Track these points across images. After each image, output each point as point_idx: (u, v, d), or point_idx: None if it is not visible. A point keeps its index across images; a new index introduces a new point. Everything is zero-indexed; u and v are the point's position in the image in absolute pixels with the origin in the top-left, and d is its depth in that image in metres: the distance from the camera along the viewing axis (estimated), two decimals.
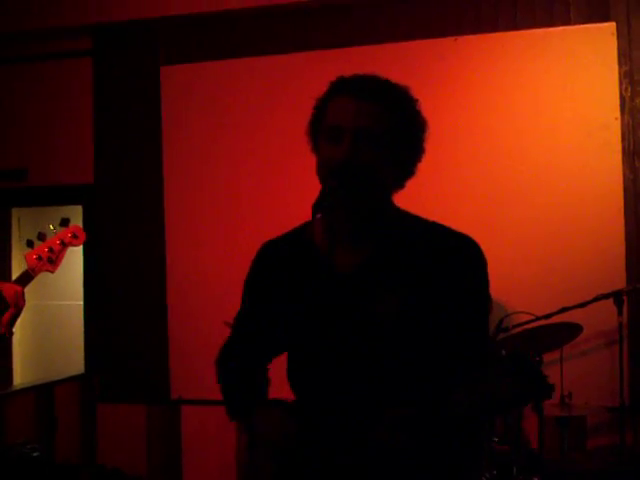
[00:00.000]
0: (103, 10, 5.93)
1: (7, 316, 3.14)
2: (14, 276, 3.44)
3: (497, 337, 4.45)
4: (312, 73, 5.29)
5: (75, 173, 6.15)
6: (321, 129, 2.25)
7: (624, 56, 5.12)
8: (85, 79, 6.13)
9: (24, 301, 3.22)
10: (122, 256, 6.00)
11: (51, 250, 3.36)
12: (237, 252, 5.31)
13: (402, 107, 2.21)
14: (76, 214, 6.16)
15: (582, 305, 4.54)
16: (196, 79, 5.83)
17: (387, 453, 2.15)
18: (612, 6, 5.15)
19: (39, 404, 5.83)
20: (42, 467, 5.12)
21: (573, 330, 4.53)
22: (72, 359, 6.63)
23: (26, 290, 3.30)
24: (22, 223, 6.98)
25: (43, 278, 3.45)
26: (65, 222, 3.43)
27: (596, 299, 4.60)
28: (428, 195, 4.75)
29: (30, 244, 3.36)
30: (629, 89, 5.12)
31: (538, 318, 4.50)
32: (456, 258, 2.23)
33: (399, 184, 2.28)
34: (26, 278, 3.29)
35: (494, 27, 5.33)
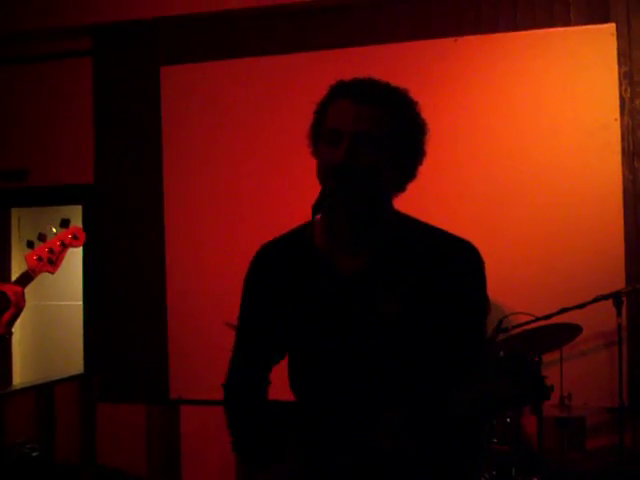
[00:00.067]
0: (103, 10, 5.93)
1: (7, 316, 3.14)
2: (14, 276, 3.45)
3: (497, 337, 4.45)
4: (312, 73, 5.31)
5: (75, 173, 6.15)
6: (321, 133, 2.25)
7: (624, 57, 5.12)
8: (85, 79, 6.13)
9: (24, 301, 3.22)
10: (122, 256, 6.01)
11: (51, 251, 3.36)
12: (237, 252, 5.30)
13: (402, 110, 2.21)
14: (76, 214, 6.16)
15: (581, 306, 4.55)
16: (196, 79, 5.83)
17: (387, 454, 2.16)
18: (612, 7, 5.15)
19: (39, 404, 5.83)
20: (42, 467, 5.12)
21: (572, 331, 4.53)
22: (72, 359, 6.63)
23: (26, 290, 3.30)
24: (22, 223, 6.99)
25: (43, 278, 3.45)
26: (65, 223, 3.43)
27: (595, 300, 4.60)
28: (428, 195, 4.76)
29: (30, 245, 3.36)
30: (629, 90, 5.12)
31: (538, 319, 4.50)
32: (455, 262, 2.24)
33: (400, 187, 2.28)
34: (26, 279, 3.29)
35: (494, 28, 5.33)
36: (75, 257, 6.10)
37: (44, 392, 5.86)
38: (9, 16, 6.10)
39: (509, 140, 5.25)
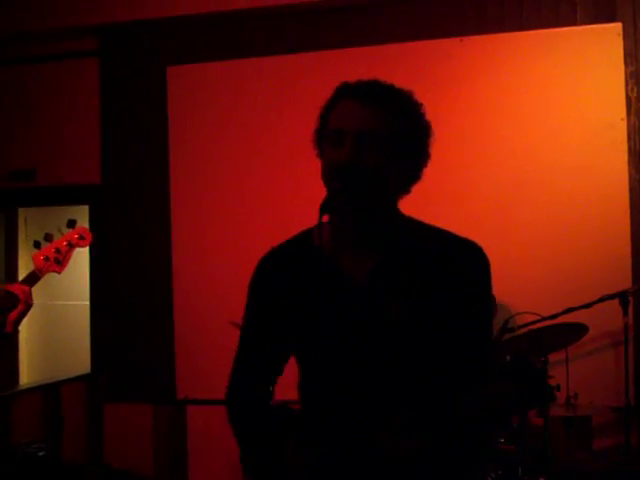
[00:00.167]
0: (109, 10, 5.94)
1: (15, 314, 3.16)
2: (21, 275, 3.47)
3: (503, 337, 4.45)
4: (318, 73, 5.31)
5: (82, 173, 6.17)
6: (325, 134, 2.25)
7: (630, 56, 5.12)
8: (91, 79, 6.15)
9: (32, 300, 3.24)
10: (128, 256, 6.02)
11: (58, 251, 3.38)
12: (243, 252, 5.29)
13: (406, 111, 2.21)
14: (83, 214, 6.17)
15: (588, 305, 4.54)
16: (203, 79, 5.84)
17: (395, 456, 2.16)
18: (618, 7, 5.14)
19: (45, 404, 5.84)
20: (48, 467, 5.13)
21: (579, 330, 4.53)
22: (78, 359, 6.64)
23: (33, 290, 3.32)
24: (29, 223, 7.00)
25: (50, 278, 3.46)
26: (72, 223, 3.45)
27: (602, 299, 4.60)
28: (434, 195, 4.76)
29: (37, 245, 3.38)
30: (635, 90, 5.12)
31: (544, 318, 4.50)
32: (461, 263, 2.24)
33: (404, 189, 2.27)
34: (33, 278, 3.31)
35: (500, 27, 5.33)
36: (82, 257, 6.10)
37: (51, 392, 5.87)
38: (16, 17, 6.11)
39: (515, 140, 5.25)
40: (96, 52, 6.15)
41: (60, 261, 3.39)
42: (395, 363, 2.22)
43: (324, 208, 2.14)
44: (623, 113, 5.10)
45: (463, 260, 2.24)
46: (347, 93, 2.22)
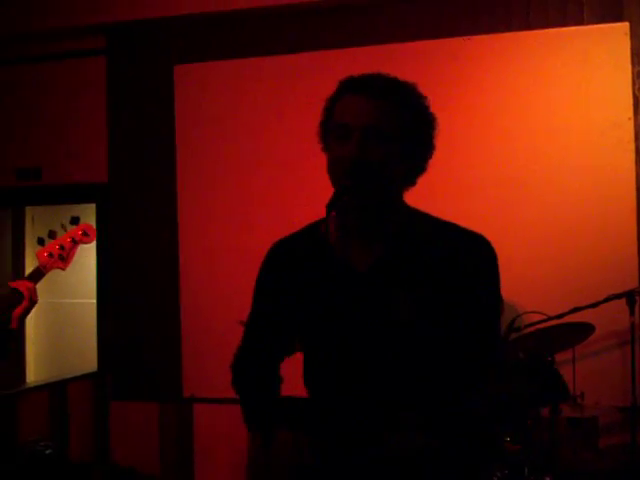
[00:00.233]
0: (117, 9, 5.95)
1: (20, 310, 3.17)
2: (27, 272, 3.47)
3: (509, 337, 4.45)
4: (323, 73, 5.29)
5: (89, 172, 6.18)
6: (330, 128, 2.26)
7: (637, 56, 5.11)
8: (99, 78, 6.16)
9: (37, 297, 3.25)
10: (135, 254, 6.02)
11: (62, 247, 3.39)
12: (250, 251, 5.27)
13: (410, 103, 2.22)
14: (90, 213, 6.19)
15: (594, 305, 4.54)
16: (210, 78, 5.85)
17: (403, 454, 2.16)
18: (626, 6, 5.13)
19: (52, 402, 5.86)
20: (55, 465, 5.14)
21: (585, 330, 4.53)
22: (85, 357, 6.66)
23: (40, 288, 3.33)
24: (36, 221, 7.02)
25: (57, 276, 3.47)
26: (75, 220, 3.47)
27: (608, 299, 4.59)
28: (441, 195, 4.76)
29: (41, 242, 3.40)
30: None
31: (550, 318, 4.50)
32: (468, 255, 2.24)
33: (410, 181, 2.28)
34: (38, 275, 3.33)
35: (507, 27, 5.32)
36: (89, 255, 6.13)
37: (57, 390, 5.89)
38: (23, 16, 6.13)
39: (521, 139, 5.25)
40: (103, 51, 6.16)
41: (64, 257, 3.40)
42: (398, 355, 2.22)
43: (331, 207, 2.14)
44: (630, 112, 5.10)
45: (469, 252, 2.25)
46: (352, 87, 2.23)
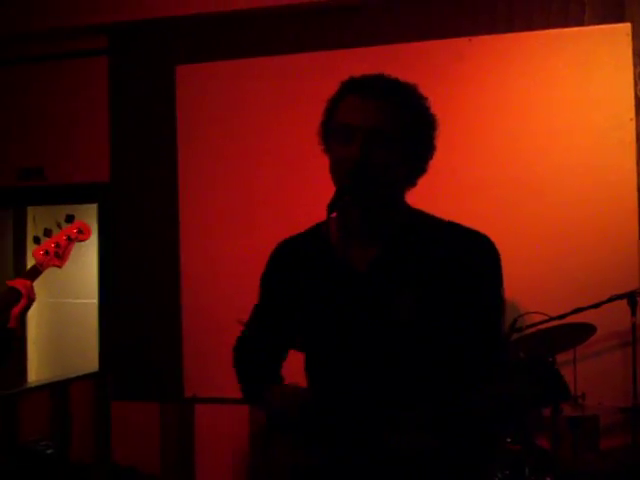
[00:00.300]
0: (119, 9, 5.96)
1: (18, 308, 3.18)
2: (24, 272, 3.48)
3: (511, 337, 4.45)
4: (326, 73, 5.30)
5: (91, 172, 6.18)
6: (332, 128, 2.27)
7: (639, 57, 5.11)
8: (101, 78, 6.16)
9: (34, 295, 3.26)
10: (137, 254, 6.03)
11: (57, 245, 3.41)
12: (251, 250, 5.29)
13: (411, 104, 2.23)
14: (91, 213, 6.19)
15: (596, 306, 4.53)
16: (212, 78, 5.85)
17: (404, 454, 2.16)
18: (627, 7, 5.13)
19: (54, 402, 5.86)
20: (56, 464, 5.14)
21: (587, 331, 4.53)
22: (87, 357, 6.66)
23: (42, 288, 3.34)
24: (37, 221, 7.02)
25: (59, 276, 3.48)
26: (70, 219, 3.49)
27: (610, 300, 4.59)
28: (443, 195, 4.76)
29: (37, 241, 3.41)
30: None
31: (552, 318, 4.50)
32: (472, 255, 2.24)
33: (411, 181, 2.29)
34: (34, 273, 3.34)
35: (509, 27, 5.32)
36: (90, 255, 6.13)
37: (59, 390, 5.89)
38: (25, 15, 6.13)
39: (523, 139, 5.24)
40: (105, 51, 6.16)
41: (60, 255, 3.42)
42: (398, 355, 2.23)
43: (332, 207, 2.15)
44: (632, 113, 5.10)
45: (472, 251, 2.25)
46: (354, 88, 2.24)
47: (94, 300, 6.42)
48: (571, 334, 4.53)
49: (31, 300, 3.23)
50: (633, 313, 4.65)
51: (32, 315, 3.26)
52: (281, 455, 2.40)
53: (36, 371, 7.43)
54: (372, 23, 5.57)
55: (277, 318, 2.47)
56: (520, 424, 4.42)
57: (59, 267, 3.44)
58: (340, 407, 2.30)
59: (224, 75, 5.82)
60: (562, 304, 4.59)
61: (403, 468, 2.19)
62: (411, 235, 2.28)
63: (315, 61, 5.60)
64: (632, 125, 5.09)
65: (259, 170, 5.70)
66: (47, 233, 3.43)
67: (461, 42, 5.37)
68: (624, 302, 4.65)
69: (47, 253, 3.38)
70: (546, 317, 4.50)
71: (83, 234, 3.52)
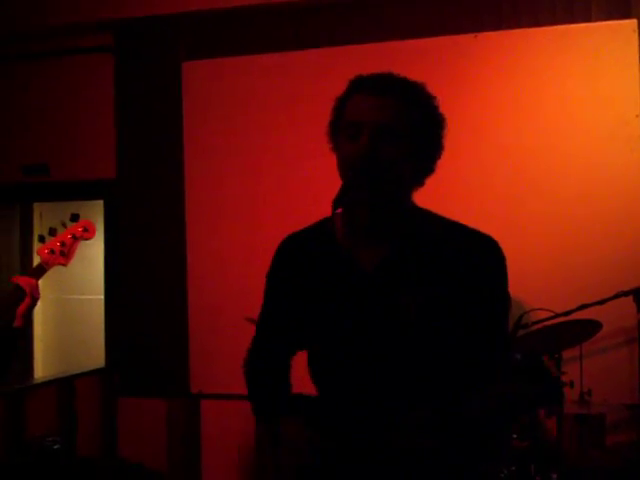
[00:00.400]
0: (124, 6, 5.96)
1: (23, 307, 3.18)
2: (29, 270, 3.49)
3: (516, 334, 4.45)
4: (332, 69, 5.31)
5: (97, 168, 6.19)
6: (340, 127, 2.27)
7: None
8: (106, 75, 6.16)
9: (39, 293, 3.27)
10: (143, 250, 6.03)
11: (63, 244, 3.41)
12: (257, 247, 5.31)
13: (420, 104, 2.23)
14: (97, 209, 6.20)
15: (602, 302, 4.53)
16: (218, 75, 5.85)
17: (406, 453, 2.16)
18: (634, 3, 5.12)
19: (60, 398, 5.86)
20: (63, 460, 5.15)
21: (592, 327, 4.52)
22: (93, 353, 6.67)
23: (48, 284, 3.34)
24: (44, 218, 7.03)
25: (65, 272, 3.49)
26: (75, 217, 3.49)
27: (616, 296, 4.58)
28: (449, 191, 4.76)
29: (42, 239, 3.42)
30: None
31: (557, 315, 4.50)
32: (476, 256, 2.24)
33: (418, 181, 2.29)
34: (40, 271, 3.34)
35: (515, 24, 5.31)
36: (96, 251, 6.14)
37: (65, 386, 5.90)
38: (30, 12, 6.14)
39: (530, 136, 5.24)
40: (111, 48, 6.17)
41: (65, 253, 3.42)
42: (404, 355, 2.23)
43: (337, 202, 2.15)
44: (638, 110, 5.09)
45: (477, 253, 2.25)
46: (363, 86, 2.24)
47: (100, 296, 6.44)
48: (577, 331, 4.53)
49: (35, 299, 3.23)
50: (639, 310, 4.64)
51: (38, 311, 3.27)
52: (286, 455, 2.38)
53: (42, 367, 7.44)
54: (378, 19, 5.56)
55: (284, 319, 2.45)
56: (526, 421, 4.42)
57: (64, 265, 3.44)
58: (345, 407, 2.30)
59: (231, 71, 5.82)
60: (568, 300, 4.59)
61: (404, 468, 2.19)
62: (418, 235, 2.27)
63: (322, 58, 5.60)
64: (638, 122, 5.08)
65: (266, 167, 5.70)
66: (52, 232, 3.43)
67: (467, 39, 5.36)
68: (630, 299, 4.63)
69: (52, 252, 3.38)
70: (552, 313, 4.50)
71: (88, 232, 3.52)
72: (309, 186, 5.42)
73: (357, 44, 5.51)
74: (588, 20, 5.18)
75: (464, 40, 5.36)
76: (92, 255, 6.41)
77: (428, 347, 2.21)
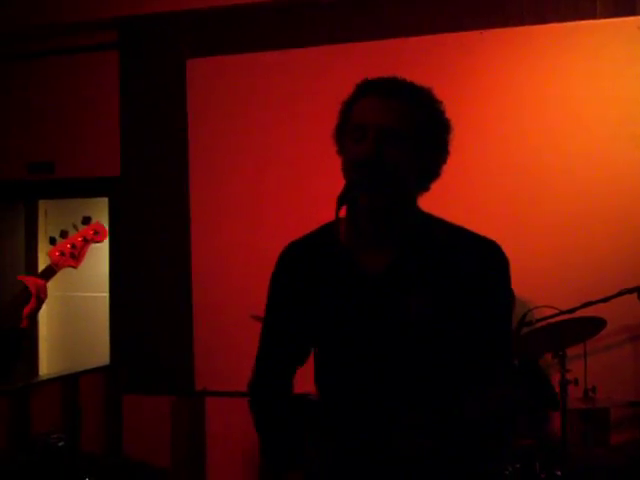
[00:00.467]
0: (129, 3, 5.97)
1: (28, 308, 3.18)
2: (40, 266, 3.50)
3: (520, 331, 4.45)
4: (338, 66, 5.33)
5: (101, 165, 6.20)
6: (346, 130, 2.26)
7: None
8: (111, 72, 6.17)
9: (46, 295, 3.27)
10: (148, 248, 6.04)
11: (73, 246, 3.42)
12: (261, 245, 5.34)
13: (426, 107, 2.22)
14: (102, 206, 6.21)
15: (606, 299, 4.52)
16: (223, 72, 5.85)
17: (409, 454, 2.17)
18: (638, 0, 5.12)
19: (65, 394, 5.87)
20: (67, 457, 5.16)
21: (597, 324, 4.52)
22: (97, 350, 6.68)
23: (53, 282, 3.35)
24: (49, 215, 7.04)
25: (69, 270, 3.49)
26: (87, 220, 3.50)
27: (620, 293, 4.57)
28: (454, 189, 4.75)
29: (53, 241, 3.42)
30: None
31: (562, 312, 4.49)
32: (481, 262, 2.24)
33: (424, 186, 2.28)
34: (49, 273, 3.35)
35: (520, 21, 5.31)
36: (101, 248, 6.14)
37: (70, 383, 5.91)
38: (35, 10, 6.15)
39: (535, 134, 5.24)
40: (116, 45, 6.18)
41: (75, 256, 3.43)
42: (408, 358, 2.23)
43: (341, 200, 2.15)
44: None
45: (481, 258, 2.25)
46: (369, 89, 2.24)
47: (105, 294, 6.45)
48: (581, 328, 4.52)
49: (41, 300, 3.24)
50: None
51: (43, 309, 3.27)
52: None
53: (47, 364, 7.45)
54: (383, 16, 5.56)
55: (289, 328, 2.42)
56: (531, 419, 4.43)
57: (74, 268, 3.46)
58: (352, 410, 2.30)
59: (235, 69, 5.82)
60: (572, 298, 4.58)
61: (406, 468, 2.19)
62: (423, 240, 2.27)
63: (327, 55, 5.60)
64: None
65: (271, 166, 5.70)
66: (63, 234, 3.44)
67: (472, 36, 5.36)
68: (634, 296, 4.62)
69: (63, 254, 3.39)
70: (556, 311, 4.50)
71: (99, 235, 3.53)
72: (313, 184, 5.41)
73: (363, 42, 5.51)
74: (593, 17, 5.18)
75: (470, 37, 5.36)
76: (96, 252, 6.41)
77: (433, 350, 2.21)
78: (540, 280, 5.04)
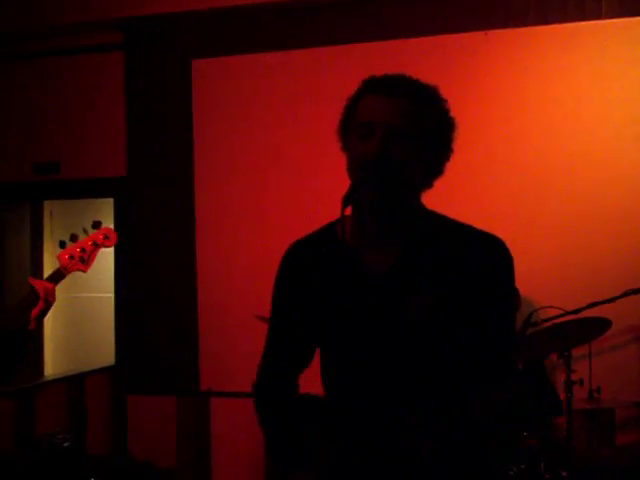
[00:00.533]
0: (134, 4, 5.97)
1: (36, 311, 3.19)
2: (46, 267, 3.51)
3: (526, 332, 4.45)
4: (342, 67, 5.33)
5: (107, 166, 6.21)
6: (352, 127, 2.26)
7: None
8: (117, 73, 6.18)
9: (54, 298, 3.28)
10: (153, 248, 6.04)
11: (83, 250, 3.43)
12: (266, 245, 5.34)
13: (432, 106, 2.22)
14: (108, 207, 6.22)
15: (611, 300, 4.52)
16: (228, 72, 5.86)
17: (412, 454, 2.17)
18: None
19: (70, 395, 5.88)
20: (73, 457, 5.17)
21: (602, 325, 4.52)
22: (103, 351, 6.68)
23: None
24: (55, 216, 7.05)
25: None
26: (97, 225, 3.51)
27: (625, 294, 4.57)
28: (458, 189, 4.75)
29: (63, 245, 3.43)
30: None
31: (567, 313, 4.49)
32: (486, 259, 2.23)
33: (427, 183, 2.28)
34: (58, 276, 3.35)
35: (525, 21, 5.31)
36: (106, 249, 6.14)
37: (75, 383, 5.92)
38: (41, 10, 6.15)
39: (539, 134, 5.24)
40: (121, 46, 6.19)
41: (85, 260, 3.44)
42: (413, 357, 2.22)
43: (347, 199, 2.14)
44: None
45: (486, 255, 2.24)
46: (375, 87, 2.23)
47: (110, 294, 6.45)
48: (586, 328, 4.52)
49: (49, 303, 3.25)
50: None
51: None
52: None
53: (52, 365, 7.46)
54: (388, 17, 5.56)
55: (295, 327, 2.42)
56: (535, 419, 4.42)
57: (84, 272, 3.47)
58: (356, 409, 2.30)
59: (240, 69, 5.82)
60: (577, 298, 4.58)
61: (408, 468, 2.19)
62: (428, 238, 2.27)
63: (332, 55, 5.60)
64: None
65: (276, 166, 5.70)
66: (73, 238, 3.45)
67: (477, 36, 5.36)
68: (639, 297, 4.63)
69: (72, 257, 3.40)
70: (561, 311, 4.49)
71: (109, 240, 3.55)
72: (318, 184, 5.41)
73: (368, 42, 5.51)
74: (598, 18, 5.17)
75: (474, 38, 5.36)
76: (102, 253, 6.41)
77: (437, 349, 2.21)
78: (545, 280, 5.04)
